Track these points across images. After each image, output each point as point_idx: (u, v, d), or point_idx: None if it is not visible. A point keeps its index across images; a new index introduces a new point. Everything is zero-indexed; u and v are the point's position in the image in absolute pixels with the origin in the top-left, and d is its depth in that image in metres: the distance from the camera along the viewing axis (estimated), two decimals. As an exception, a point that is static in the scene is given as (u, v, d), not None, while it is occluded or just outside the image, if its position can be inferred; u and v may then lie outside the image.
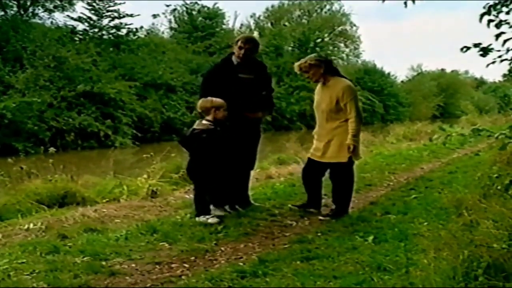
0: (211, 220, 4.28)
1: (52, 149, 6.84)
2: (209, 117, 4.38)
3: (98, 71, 18.52)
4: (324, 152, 4.68)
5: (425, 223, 3.94)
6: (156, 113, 19.38)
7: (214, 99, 4.42)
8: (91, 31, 21.62)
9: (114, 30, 22.03)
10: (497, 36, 2.84)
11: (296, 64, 4.75)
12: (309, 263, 3.24)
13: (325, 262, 3.24)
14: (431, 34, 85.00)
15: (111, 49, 21.30)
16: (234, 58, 4.77)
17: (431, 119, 32.26)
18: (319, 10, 36.08)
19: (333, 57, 31.19)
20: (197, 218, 4.34)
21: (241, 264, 3.27)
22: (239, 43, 4.71)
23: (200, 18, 28.45)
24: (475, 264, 2.32)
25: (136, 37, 23.03)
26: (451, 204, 4.33)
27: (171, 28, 29.16)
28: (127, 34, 22.44)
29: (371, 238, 3.79)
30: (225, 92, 4.46)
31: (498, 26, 2.83)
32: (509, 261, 2.31)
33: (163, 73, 20.96)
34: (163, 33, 28.51)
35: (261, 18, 35.05)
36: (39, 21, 20.74)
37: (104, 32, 21.87)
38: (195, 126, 4.42)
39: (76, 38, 20.88)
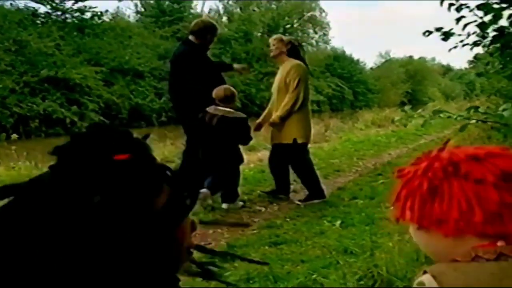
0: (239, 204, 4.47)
1: (14, 136, 6.66)
2: (232, 105, 4.37)
3: (62, 55, 17.96)
4: (272, 134, 4.82)
5: (391, 208, 4.00)
6: (124, 99, 18.99)
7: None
8: (54, 14, 20.89)
9: (78, 14, 21.34)
10: (458, 20, 2.86)
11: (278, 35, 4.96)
12: (277, 248, 3.27)
13: (293, 247, 3.28)
14: (399, 20, 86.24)
15: (75, 33, 20.65)
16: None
17: (400, 105, 32.70)
18: (288, -4, 35.95)
19: (303, 43, 31.25)
20: (233, 204, 4.42)
21: (209, 250, 3.26)
22: (216, 33, 4.72)
23: (167, 2, 27.90)
24: (437, 246, 2.37)
25: (101, 21, 22.36)
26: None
27: (137, 12, 28.49)
28: (92, 17, 21.78)
29: (338, 222, 3.84)
30: (207, 81, 4.37)
31: (458, 10, 2.84)
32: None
33: (130, 58, 20.51)
34: (129, 17, 27.84)
35: (230, 3, 34.63)
36: (-2, 3, 19.94)
37: (67, 15, 21.16)
38: (225, 114, 4.23)
39: (38, 21, 20.14)
